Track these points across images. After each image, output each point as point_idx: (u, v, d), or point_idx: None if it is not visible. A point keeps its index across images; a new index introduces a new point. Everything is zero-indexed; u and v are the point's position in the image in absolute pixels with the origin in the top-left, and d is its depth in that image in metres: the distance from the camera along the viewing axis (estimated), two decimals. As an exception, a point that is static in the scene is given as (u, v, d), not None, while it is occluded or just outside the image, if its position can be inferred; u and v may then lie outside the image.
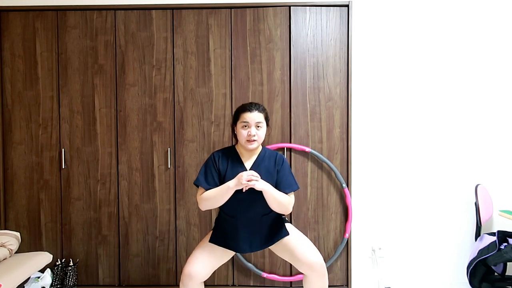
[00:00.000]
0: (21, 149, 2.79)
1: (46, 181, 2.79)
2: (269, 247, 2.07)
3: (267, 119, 2.01)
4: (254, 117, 1.94)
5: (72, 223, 2.80)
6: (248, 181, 1.82)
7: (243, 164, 2.00)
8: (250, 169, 1.98)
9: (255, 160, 2.01)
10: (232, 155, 2.02)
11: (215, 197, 1.90)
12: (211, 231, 2.08)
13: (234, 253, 2.08)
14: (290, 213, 2.75)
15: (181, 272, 2.76)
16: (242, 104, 2.02)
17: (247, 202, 1.95)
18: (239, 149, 2.04)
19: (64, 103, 2.77)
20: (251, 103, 2.00)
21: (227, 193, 1.88)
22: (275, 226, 2.04)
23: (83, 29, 2.76)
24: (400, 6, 2.81)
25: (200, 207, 1.95)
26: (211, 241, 2.01)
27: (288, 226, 2.08)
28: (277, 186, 1.97)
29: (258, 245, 2.01)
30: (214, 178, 1.96)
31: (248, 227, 1.99)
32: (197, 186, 1.99)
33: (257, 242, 2.01)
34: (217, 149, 2.12)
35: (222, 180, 1.96)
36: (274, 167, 2.00)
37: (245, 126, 1.94)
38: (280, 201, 1.90)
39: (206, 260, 1.95)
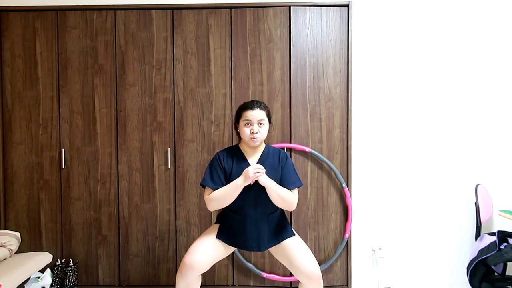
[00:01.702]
0: (21, 149, 2.79)
1: (46, 181, 2.79)
2: (270, 250, 2.08)
3: (269, 116, 2.03)
4: (256, 114, 1.96)
5: (72, 223, 2.80)
6: (255, 173, 1.84)
7: (248, 162, 2.01)
8: None
9: (260, 158, 2.03)
10: (237, 153, 2.04)
11: (223, 196, 1.91)
12: (216, 224, 2.08)
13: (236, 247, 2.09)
14: (290, 213, 2.75)
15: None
16: (244, 102, 2.04)
17: (253, 199, 1.97)
18: (243, 147, 2.06)
19: (64, 103, 2.77)
20: (252, 101, 2.02)
21: (236, 191, 1.89)
22: (280, 225, 2.06)
23: (83, 29, 2.76)
24: (400, 6, 2.81)
25: (209, 208, 1.95)
26: (218, 237, 2.01)
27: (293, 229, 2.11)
28: (281, 182, 1.99)
29: (265, 243, 2.02)
30: (220, 177, 1.97)
31: (255, 225, 1.99)
32: (204, 187, 2.00)
33: (265, 240, 2.02)
34: (220, 149, 2.13)
35: (228, 179, 1.98)
36: (278, 164, 2.02)
37: (248, 123, 1.96)
38: (283, 197, 1.92)
39: (209, 252, 1.94)
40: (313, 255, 2.01)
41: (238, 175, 1.93)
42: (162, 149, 2.77)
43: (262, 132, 1.97)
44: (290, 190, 1.98)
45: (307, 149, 2.70)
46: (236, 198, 1.92)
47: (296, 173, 2.05)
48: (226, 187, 1.92)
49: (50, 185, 2.79)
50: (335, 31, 2.74)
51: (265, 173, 1.91)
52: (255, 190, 1.95)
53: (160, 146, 2.76)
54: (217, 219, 2.13)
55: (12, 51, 2.77)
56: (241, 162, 2.01)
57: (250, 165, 1.99)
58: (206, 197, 1.96)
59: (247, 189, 1.93)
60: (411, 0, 2.81)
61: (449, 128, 2.82)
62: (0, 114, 2.78)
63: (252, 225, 1.99)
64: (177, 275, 1.91)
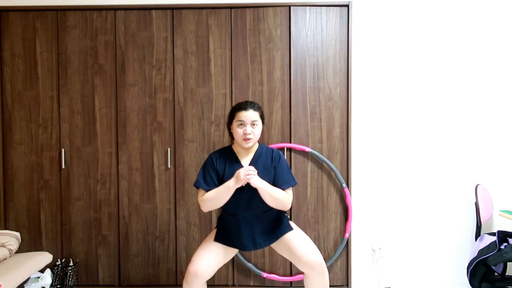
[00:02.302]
0: (21, 149, 2.79)
1: (46, 181, 2.79)
2: (271, 245, 2.08)
3: (262, 117, 2.02)
4: (249, 115, 1.95)
5: (72, 223, 2.80)
6: (245, 175, 1.84)
7: (240, 163, 2.01)
8: None
9: (252, 158, 2.02)
10: (229, 154, 2.03)
11: (216, 198, 1.91)
12: (215, 229, 2.09)
13: (238, 250, 2.09)
14: (290, 213, 2.75)
15: (181, 272, 2.78)
16: (237, 103, 2.03)
17: (246, 200, 1.96)
18: (235, 148, 2.05)
19: (64, 103, 2.77)
20: (246, 101, 2.01)
21: (228, 193, 1.89)
22: (277, 222, 2.06)
23: (83, 29, 2.76)
24: (400, 6, 2.81)
25: (202, 209, 1.96)
26: (216, 240, 2.02)
27: (291, 223, 2.10)
28: (274, 182, 1.98)
29: (262, 242, 2.03)
30: (213, 179, 1.97)
31: (250, 224, 2.00)
32: (197, 188, 2.01)
33: (261, 239, 2.02)
34: (214, 150, 2.12)
35: (221, 181, 1.98)
36: (271, 164, 2.01)
37: (241, 124, 1.95)
38: (276, 198, 1.91)
39: (211, 259, 1.96)
40: (314, 245, 2.02)
41: (230, 176, 1.92)
42: (162, 149, 2.77)
43: (255, 133, 1.96)
44: (284, 189, 1.97)
45: (307, 149, 2.70)
46: (229, 200, 1.92)
47: (290, 172, 2.04)
48: (219, 189, 1.92)
49: (50, 185, 2.79)
50: (335, 31, 2.74)
51: (258, 173, 1.91)
52: (247, 192, 1.94)
53: (160, 146, 2.76)
54: (217, 222, 2.14)
55: (12, 51, 2.77)
56: (234, 163, 2.00)
57: (242, 167, 1.98)
58: (200, 198, 1.96)
59: (239, 190, 1.92)
60: (411, 0, 2.81)
61: (449, 128, 2.82)
62: (0, 114, 2.78)
63: (247, 226, 2.00)
64: (183, 284, 1.94)
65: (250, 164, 2.00)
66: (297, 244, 1.99)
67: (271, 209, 2.02)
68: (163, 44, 2.75)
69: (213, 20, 2.74)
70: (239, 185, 1.87)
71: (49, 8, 2.75)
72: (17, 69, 2.78)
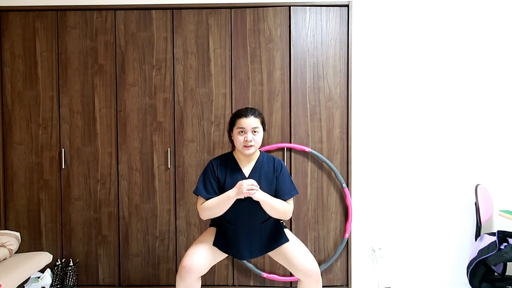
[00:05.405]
0: (21, 149, 2.79)
1: (46, 181, 2.79)
2: (268, 253, 2.07)
3: (263, 123, 2.01)
4: (250, 122, 1.93)
5: (72, 223, 2.80)
6: (248, 190, 1.83)
7: (242, 171, 1.99)
8: (249, 176, 1.98)
9: (254, 166, 2.01)
10: (230, 162, 2.01)
11: (216, 207, 1.90)
12: (213, 228, 2.07)
13: None
14: (290, 213, 2.75)
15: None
16: (238, 110, 2.01)
17: (247, 210, 1.95)
18: (236, 155, 2.03)
19: (64, 103, 2.77)
20: (246, 108, 1.99)
21: (228, 203, 1.88)
22: (274, 233, 2.05)
23: (83, 29, 2.76)
24: (400, 6, 2.81)
25: (201, 217, 1.95)
26: (214, 244, 2.00)
27: (287, 232, 2.09)
28: (276, 192, 1.98)
29: (257, 252, 2.02)
30: (213, 186, 1.96)
31: (248, 234, 1.99)
32: (197, 195, 1.99)
33: (257, 249, 2.02)
34: (215, 157, 2.10)
35: (221, 188, 1.96)
36: (273, 173, 2.00)
37: (242, 131, 1.93)
38: (278, 209, 1.91)
39: (206, 255, 1.94)
40: (310, 252, 2.01)
41: (231, 184, 1.91)
42: (162, 149, 2.77)
43: (256, 140, 1.94)
44: (285, 200, 1.97)
45: (307, 149, 2.70)
46: (230, 209, 1.91)
47: (291, 182, 2.03)
48: (219, 198, 1.90)
49: (50, 185, 2.79)
50: (335, 31, 2.74)
51: (260, 183, 1.90)
52: (248, 202, 1.92)
53: (160, 146, 2.76)
54: (211, 222, 2.12)
55: (12, 51, 2.77)
56: (235, 171, 1.98)
57: (244, 175, 1.97)
58: (199, 206, 1.95)
59: (241, 200, 1.91)
60: (411, 0, 2.81)
61: (449, 128, 2.82)
62: (0, 114, 2.78)
63: (245, 235, 1.99)
64: (176, 278, 1.92)
65: (251, 172, 1.99)
66: (295, 254, 1.97)
67: (269, 218, 2.02)
68: (163, 44, 2.75)
69: (213, 20, 2.74)
70: (239, 197, 1.86)
71: (49, 8, 2.75)
72: (17, 69, 2.78)
